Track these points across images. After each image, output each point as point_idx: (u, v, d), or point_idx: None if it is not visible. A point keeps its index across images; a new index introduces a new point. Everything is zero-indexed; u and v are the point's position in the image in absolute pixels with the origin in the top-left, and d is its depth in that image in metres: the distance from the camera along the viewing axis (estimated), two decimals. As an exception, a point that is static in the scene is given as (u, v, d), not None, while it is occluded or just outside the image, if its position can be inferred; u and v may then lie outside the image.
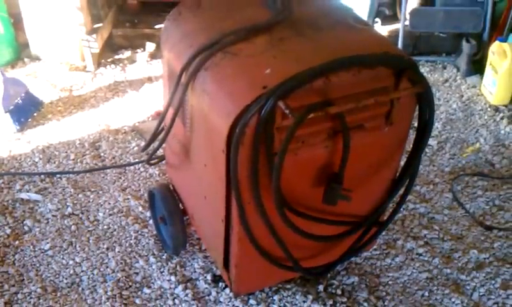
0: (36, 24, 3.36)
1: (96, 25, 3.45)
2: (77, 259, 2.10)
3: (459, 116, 3.04)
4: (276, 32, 1.56)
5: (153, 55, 3.60)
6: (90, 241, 2.19)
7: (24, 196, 2.40)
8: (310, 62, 1.36)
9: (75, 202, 2.37)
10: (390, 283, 2.03)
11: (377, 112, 1.51)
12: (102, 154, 2.69)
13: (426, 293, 2.00)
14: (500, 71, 3.02)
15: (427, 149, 2.74)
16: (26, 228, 2.24)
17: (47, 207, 2.34)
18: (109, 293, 1.96)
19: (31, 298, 1.94)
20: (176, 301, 1.94)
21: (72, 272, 2.05)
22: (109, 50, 3.64)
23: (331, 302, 1.93)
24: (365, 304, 1.94)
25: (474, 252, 2.15)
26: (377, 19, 3.66)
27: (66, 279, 2.02)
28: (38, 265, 2.08)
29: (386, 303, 1.95)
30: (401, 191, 1.75)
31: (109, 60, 3.55)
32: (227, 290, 1.96)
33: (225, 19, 1.66)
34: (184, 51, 1.59)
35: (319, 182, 1.53)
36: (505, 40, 3.07)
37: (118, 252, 2.13)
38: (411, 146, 1.67)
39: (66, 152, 2.69)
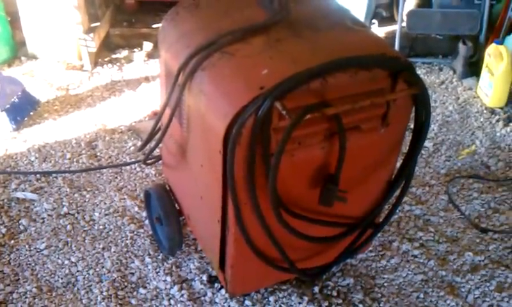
0: (33, 23, 3.35)
1: (93, 25, 3.43)
2: (73, 259, 2.10)
3: (455, 118, 3.05)
4: (274, 32, 1.56)
5: (150, 55, 3.60)
6: (86, 241, 2.18)
7: (19, 195, 2.39)
8: (307, 63, 1.37)
9: (71, 201, 2.37)
10: (385, 284, 2.04)
11: (373, 114, 1.51)
12: (98, 153, 2.68)
13: (421, 295, 2.00)
14: (497, 74, 3.03)
15: (423, 151, 2.74)
16: (22, 227, 2.23)
17: (42, 206, 2.33)
18: (105, 293, 1.95)
19: (26, 297, 1.94)
20: (172, 302, 1.93)
21: (67, 271, 2.05)
22: (106, 49, 3.63)
23: (326, 303, 1.93)
24: (361, 305, 1.94)
25: (469, 254, 2.16)
26: (374, 20, 3.66)
27: (61, 278, 2.02)
28: (33, 264, 2.07)
29: (381, 305, 1.95)
30: (397, 193, 1.75)
31: (106, 59, 3.54)
32: (223, 291, 1.96)
33: (223, 19, 1.66)
34: (181, 51, 1.59)
35: (315, 183, 1.54)
36: (501, 43, 3.07)
37: (114, 252, 2.13)
38: (407, 147, 1.67)
39: (62, 151, 2.68)
